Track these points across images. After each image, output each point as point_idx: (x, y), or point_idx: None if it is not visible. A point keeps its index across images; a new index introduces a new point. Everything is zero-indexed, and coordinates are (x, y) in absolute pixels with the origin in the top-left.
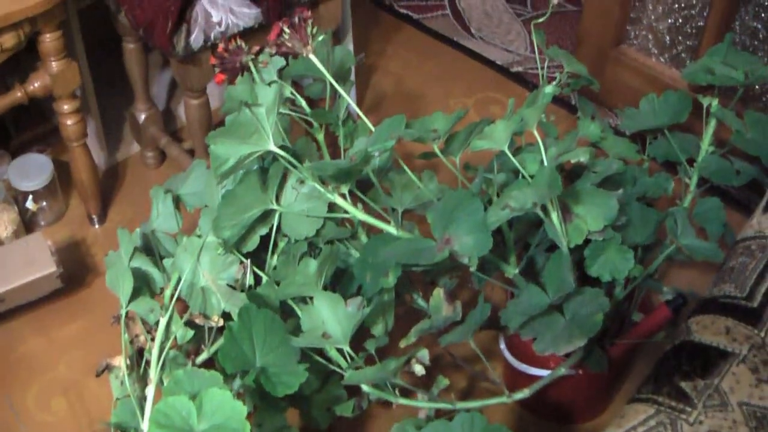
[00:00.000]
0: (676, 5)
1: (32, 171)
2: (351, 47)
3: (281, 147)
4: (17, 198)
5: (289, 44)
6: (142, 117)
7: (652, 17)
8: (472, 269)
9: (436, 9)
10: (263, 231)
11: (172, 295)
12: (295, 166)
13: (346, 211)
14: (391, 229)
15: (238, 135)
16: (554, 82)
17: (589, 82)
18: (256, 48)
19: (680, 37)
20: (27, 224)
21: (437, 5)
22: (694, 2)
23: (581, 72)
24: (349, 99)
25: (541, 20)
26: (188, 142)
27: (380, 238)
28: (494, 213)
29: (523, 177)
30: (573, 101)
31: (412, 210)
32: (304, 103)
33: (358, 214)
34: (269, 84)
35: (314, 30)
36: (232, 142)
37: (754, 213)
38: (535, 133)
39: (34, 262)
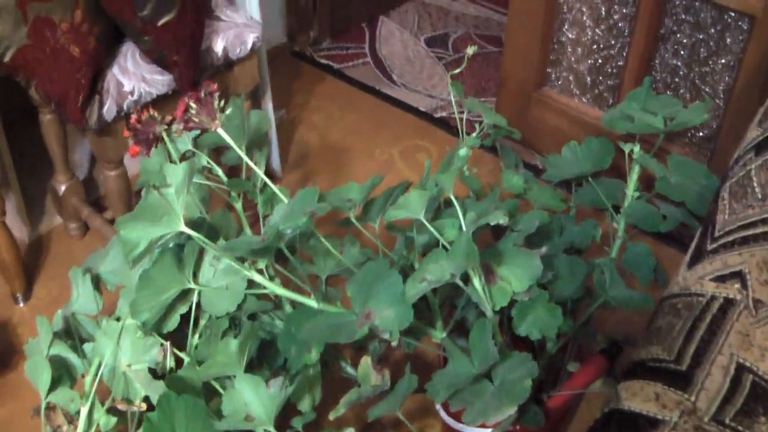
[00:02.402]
0: (595, 46)
1: None
2: (270, 105)
3: (197, 221)
4: None
5: (197, 119)
6: (62, 188)
7: (572, 59)
8: (394, 344)
9: (356, 57)
10: (183, 309)
11: (93, 383)
12: (211, 244)
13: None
14: (311, 302)
15: (148, 217)
16: (474, 134)
17: (509, 132)
18: (170, 117)
19: (601, 78)
20: None
21: (358, 53)
22: (613, 42)
23: (500, 123)
24: (259, 171)
25: (457, 71)
26: (111, 212)
27: (301, 312)
28: (412, 286)
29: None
30: None
31: (338, 274)
32: (220, 172)
33: (276, 289)
34: (183, 155)
35: (221, 103)
36: (142, 225)
37: (679, 267)
38: (452, 197)
39: None
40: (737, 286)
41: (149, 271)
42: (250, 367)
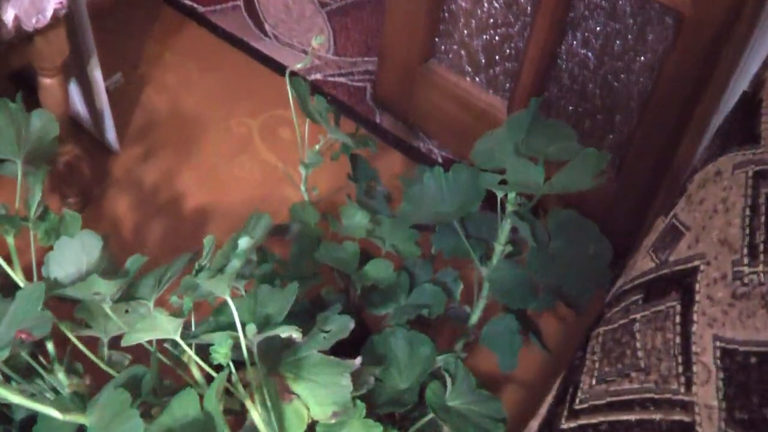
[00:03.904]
0: (492, 21)
1: None
2: (98, 72)
3: None
4: None
5: None
6: None
7: (465, 32)
8: None
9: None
10: None
11: None
12: None
13: None
14: (55, 413)
15: None
16: (316, 146)
17: (363, 145)
18: None
19: (497, 58)
20: None
21: None
22: (513, 20)
23: (345, 141)
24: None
25: (299, 65)
26: None
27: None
28: None
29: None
30: (378, 120)
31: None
32: None
33: (12, 397)
34: None
35: None
36: None
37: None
38: (229, 300)
39: None
40: None
41: None
42: None
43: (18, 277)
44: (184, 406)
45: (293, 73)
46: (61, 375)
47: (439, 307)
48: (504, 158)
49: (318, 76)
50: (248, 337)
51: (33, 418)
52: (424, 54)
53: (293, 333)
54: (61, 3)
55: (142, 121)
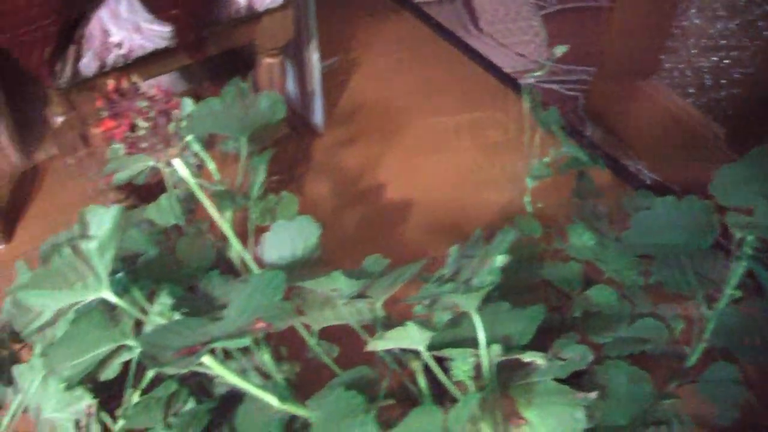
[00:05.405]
0: (724, 42)
1: None
2: (316, 56)
3: (147, 262)
4: None
5: (144, 145)
6: (58, 121)
7: (693, 51)
8: None
9: None
10: (125, 357)
11: (9, 426)
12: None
13: None
14: (273, 400)
15: (54, 284)
16: (545, 159)
17: (594, 162)
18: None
19: (724, 81)
20: None
21: None
22: (747, 43)
23: (579, 156)
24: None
25: (536, 74)
26: None
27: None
28: None
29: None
30: (584, 129)
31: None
32: (213, 167)
33: (230, 376)
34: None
35: (180, 122)
36: (49, 289)
37: None
38: (476, 317)
39: None
40: None
41: (73, 328)
42: None
43: (249, 258)
44: (423, 424)
45: (512, 78)
46: (266, 357)
47: (661, 344)
48: (752, 197)
49: (530, 80)
50: (491, 356)
51: (233, 395)
52: (647, 70)
53: (537, 359)
54: None
55: (349, 106)
